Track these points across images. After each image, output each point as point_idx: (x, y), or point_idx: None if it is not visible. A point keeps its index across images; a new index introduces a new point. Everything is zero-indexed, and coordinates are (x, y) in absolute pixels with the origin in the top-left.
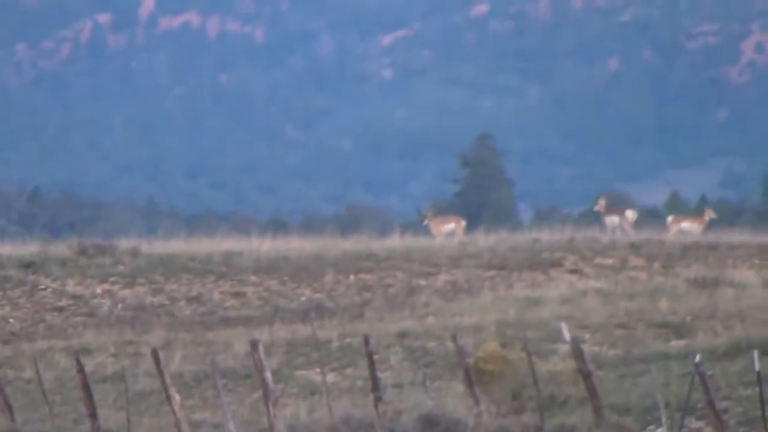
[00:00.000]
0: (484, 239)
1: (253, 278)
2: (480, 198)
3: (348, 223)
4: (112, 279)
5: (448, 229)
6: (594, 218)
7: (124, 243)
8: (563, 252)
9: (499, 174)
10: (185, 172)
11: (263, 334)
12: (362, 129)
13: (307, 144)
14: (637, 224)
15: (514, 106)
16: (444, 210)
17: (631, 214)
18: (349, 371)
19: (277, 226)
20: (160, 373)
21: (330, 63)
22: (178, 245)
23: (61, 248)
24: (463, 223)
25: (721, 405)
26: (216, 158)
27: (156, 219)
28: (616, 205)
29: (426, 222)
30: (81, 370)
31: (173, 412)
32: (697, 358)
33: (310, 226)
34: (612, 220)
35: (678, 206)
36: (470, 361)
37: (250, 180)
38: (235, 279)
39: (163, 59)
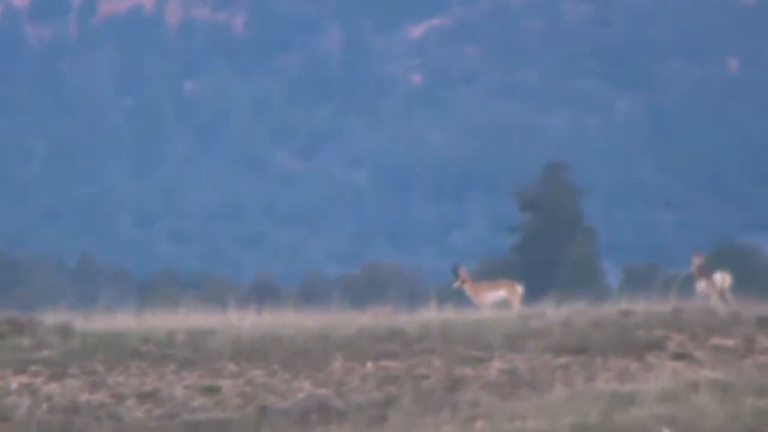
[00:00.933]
0: (555, 311)
1: (231, 367)
2: (549, 253)
3: (364, 290)
4: (33, 368)
5: (496, 299)
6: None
7: (50, 317)
8: (666, 330)
9: (576, 220)
10: (135, 217)
11: None
12: (382, 158)
13: (306, 178)
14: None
15: (595, 124)
16: (496, 271)
17: (720, 279)
18: None
19: (265, 293)
20: None
21: (337, 65)
22: (125, 321)
23: None
24: (519, 289)
25: None
26: (179, 198)
27: (94, 284)
28: (714, 267)
29: (458, 285)
30: None
31: None
32: None
33: (311, 293)
34: (700, 285)
35: None
36: None
37: (227, 229)
38: (205, 368)
39: (104, 59)
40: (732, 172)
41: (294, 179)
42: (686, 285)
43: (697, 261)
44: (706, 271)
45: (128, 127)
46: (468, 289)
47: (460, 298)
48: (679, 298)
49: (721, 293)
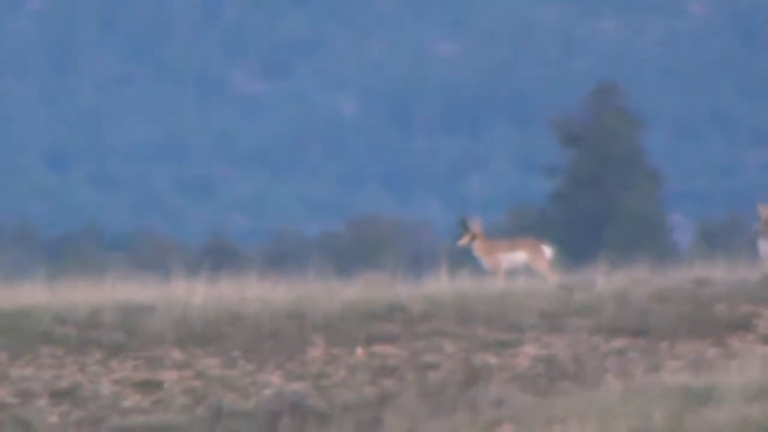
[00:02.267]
0: (607, 281)
1: (176, 355)
2: (599, 203)
3: (352, 253)
4: None
5: (514, 262)
6: None
7: None
8: (755, 304)
9: (636, 159)
10: (46, 156)
11: None
12: (374, 77)
13: (272, 105)
14: None
15: (659, 32)
16: (528, 228)
17: (548, 251)
18: None
19: (221, 257)
20: None
21: None
22: (34, 295)
23: None
24: (548, 251)
25: None
26: (103, 131)
27: None
28: None
29: (466, 243)
30: None
31: None
32: None
33: (282, 257)
34: (765, 245)
35: None
36: None
37: (168, 172)
38: (141, 357)
39: None
40: None
41: (256, 106)
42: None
43: (766, 213)
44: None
45: (35, 38)
46: (478, 248)
47: (480, 264)
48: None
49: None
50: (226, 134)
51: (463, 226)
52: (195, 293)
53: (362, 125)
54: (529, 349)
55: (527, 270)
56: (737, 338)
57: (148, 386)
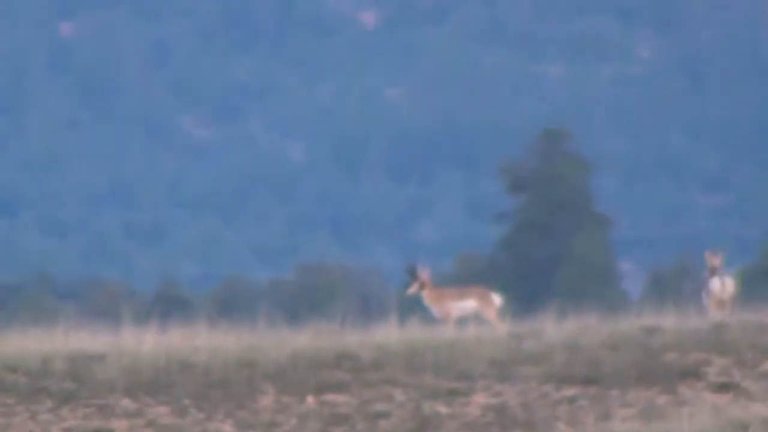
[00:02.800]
0: (557, 329)
1: (127, 403)
2: (548, 250)
3: (301, 300)
4: None
5: (463, 311)
6: (758, 289)
7: None
8: (705, 352)
9: (584, 204)
10: None
11: None
12: (324, 122)
13: (222, 150)
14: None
15: (607, 76)
16: (477, 275)
17: (719, 285)
18: None
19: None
20: None
21: None
22: None
23: None
24: (497, 299)
25: None
26: (52, 176)
27: None
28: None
29: (415, 291)
30: None
31: None
32: None
33: (231, 304)
34: (464, 304)
35: None
36: None
37: (117, 217)
38: (92, 405)
39: None
40: None
41: (205, 151)
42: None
43: (715, 260)
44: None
45: None
46: (427, 296)
47: (429, 311)
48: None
49: (720, 303)
50: (175, 179)
51: (412, 274)
52: (145, 341)
53: (311, 170)
54: (480, 398)
55: (477, 318)
56: (687, 386)
57: None
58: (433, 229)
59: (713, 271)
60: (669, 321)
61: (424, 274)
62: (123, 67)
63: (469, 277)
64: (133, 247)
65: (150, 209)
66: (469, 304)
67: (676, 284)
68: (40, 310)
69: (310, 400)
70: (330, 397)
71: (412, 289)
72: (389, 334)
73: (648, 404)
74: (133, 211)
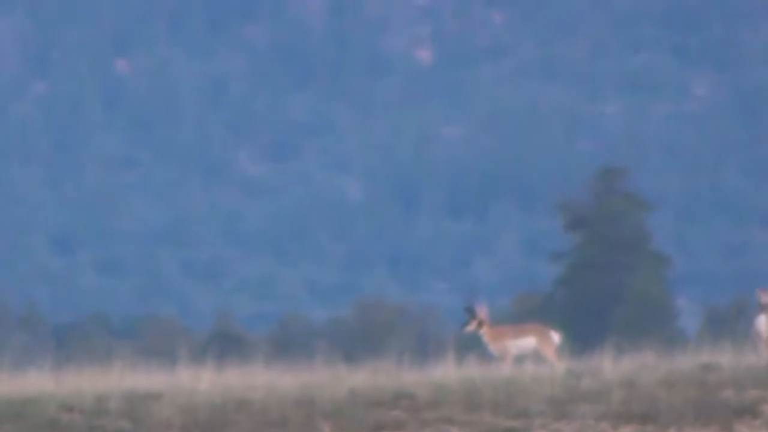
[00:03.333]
0: (614, 366)
1: None
2: (605, 288)
3: (358, 338)
4: None
5: (522, 349)
6: None
7: None
8: (761, 390)
9: (642, 242)
10: (52, 240)
11: None
12: (379, 160)
13: (278, 187)
14: None
15: (664, 114)
16: (534, 312)
17: (556, 337)
18: None
19: (227, 343)
20: None
21: (318, 38)
22: (40, 381)
23: None
24: (556, 337)
25: None
26: (108, 215)
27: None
28: None
29: (473, 329)
30: None
31: None
32: None
33: (288, 343)
34: (523, 342)
35: None
36: None
37: (173, 255)
38: None
39: (8, 31)
40: None
41: (262, 189)
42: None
43: (764, 299)
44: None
45: (41, 120)
46: (486, 334)
47: (487, 349)
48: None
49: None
50: (232, 217)
51: (470, 312)
52: (201, 380)
53: (367, 208)
54: None
55: (535, 356)
56: (744, 424)
57: None
58: (491, 266)
59: (763, 308)
60: (726, 358)
61: (482, 312)
62: (178, 103)
63: (527, 315)
64: (190, 285)
65: (207, 247)
66: (527, 342)
67: (732, 321)
68: (96, 348)
69: None
70: None
71: (470, 327)
72: (447, 372)
73: None
74: (190, 250)
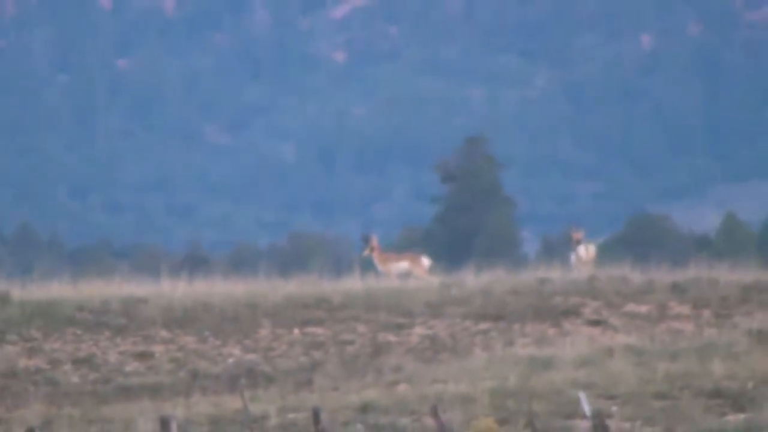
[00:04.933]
0: (475, 280)
1: (164, 333)
2: (469, 223)
3: (291, 259)
4: None
5: (400, 270)
6: (621, 251)
7: None
8: (581, 296)
9: (496, 191)
10: (71, 188)
11: (177, 408)
12: (309, 131)
13: (235, 151)
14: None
15: (514, 98)
16: (418, 241)
17: (585, 251)
18: None
19: (196, 262)
20: None
21: (266, 43)
22: (61, 289)
23: None
24: (425, 262)
25: None
26: (112, 170)
27: (31, 253)
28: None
29: (367, 254)
30: None
31: None
32: None
33: (240, 262)
34: (400, 265)
35: (735, 231)
36: None
37: (159, 200)
38: (138, 335)
39: (40, 37)
40: (644, 145)
41: (223, 152)
42: (605, 252)
43: (575, 236)
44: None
45: (64, 102)
46: (375, 258)
47: (377, 269)
48: (593, 266)
49: (584, 264)
50: (202, 173)
51: (366, 242)
52: (177, 289)
53: (299, 167)
54: (419, 330)
55: (408, 275)
56: (569, 322)
57: (143, 356)
58: (387, 208)
59: (577, 243)
60: (556, 274)
61: (374, 241)
62: (164, 91)
63: (413, 244)
64: (171, 221)
65: (183, 194)
66: (402, 265)
67: (562, 248)
68: (102, 266)
69: (296, 331)
70: (310, 329)
71: (366, 252)
72: (353, 284)
73: (541, 335)
74: (171, 196)
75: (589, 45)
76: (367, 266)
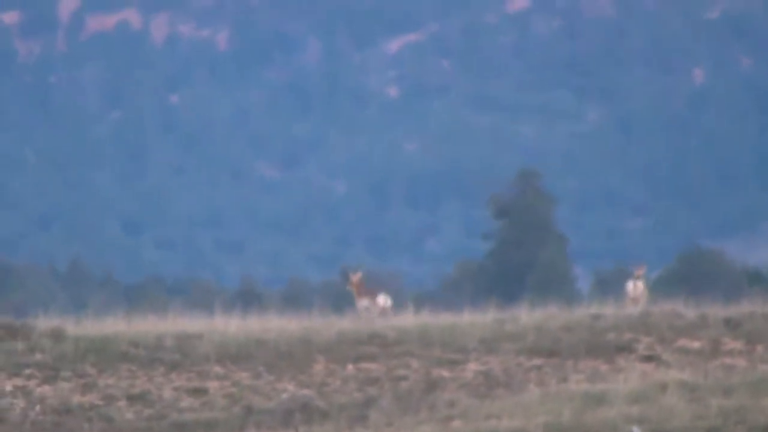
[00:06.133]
0: (528, 315)
1: (218, 369)
2: (522, 259)
3: (344, 295)
4: (26, 371)
5: (361, 306)
6: (674, 286)
7: (43, 322)
8: (634, 332)
9: (548, 225)
10: (123, 225)
11: None
12: (361, 166)
13: (286, 186)
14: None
15: (565, 133)
16: (471, 276)
17: (383, 300)
18: None
19: (249, 298)
20: None
21: (317, 78)
22: (115, 325)
23: None
24: (381, 300)
25: None
26: (164, 206)
27: (85, 289)
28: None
29: (349, 288)
30: None
31: None
32: None
33: (293, 298)
34: (362, 303)
35: None
36: None
37: (211, 236)
38: (192, 371)
39: (91, 73)
40: (696, 179)
41: (274, 188)
42: (658, 287)
43: (355, 278)
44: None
45: (115, 138)
46: (354, 290)
47: (436, 302)
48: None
49: (633, 300)
50: (252, 208)
51: (345, 277)
52: (231, 324)
53: (350, 201)
54: (473, 365)
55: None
56: (623, 357)
57: (197, 392)
58: (439, 243)
59: (638, 278)
60: (609, 310)
61: (354, 278)
62: (214, 126)
63: (465, 279)
64: (222, 257)
65: (234, 230)
66: (362, 302)
67: (614, 283)
68: (155, 302)
69: (350, 367)
70: (364, 365)
71: (348, 287)
72: (407, 319)
73: (594, 371)
74: (222, 231)
75: (640, 79)
76: (421, 302)
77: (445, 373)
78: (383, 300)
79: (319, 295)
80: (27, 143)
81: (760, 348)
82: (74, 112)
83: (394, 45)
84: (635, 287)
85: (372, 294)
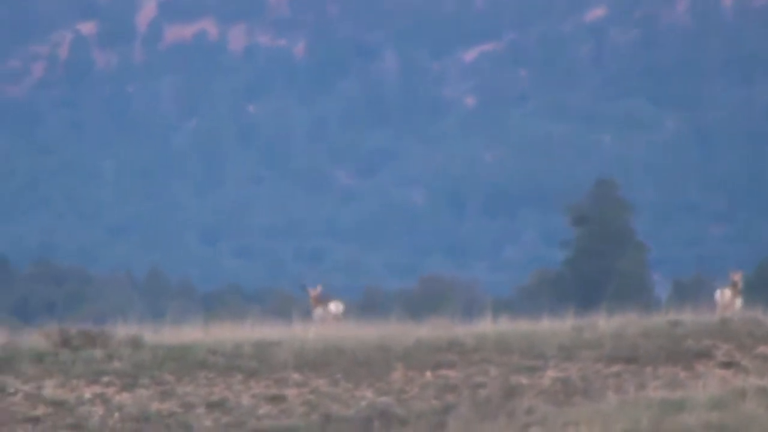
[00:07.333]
0: (606, 323)
1: (296, 377)
2: (600, 267)
3: (422, 302)
4: (105, 379)
5: (316, 315)
6: (754, 294)
7: (121, 330)
8: (714, 339)
9: (626, 234)
10: (201, 234)
11: None
12: (439, 176)
13: (364, 196)
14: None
15: (643, 143)
16: (548, 285)
17: (335, 306)
18: None
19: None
20: None
21: (394, 88)
22: (193, 333)
23: (35, 338)
24: (333, 308)
25: None
26: (242, 216)
27: (162, 298)
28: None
29: (310, 301)
30: None
31: None
32: None
33: (371, 306)
34: (317, 312)
35: None
36: None
37: (289, 245)
38: (271, 378)
39: (169, 83)
40: None
41: (353, 197)
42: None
43: (313, 294)
44: (323, 301)
45: (193, 147)
46: (311, 304)
47: (514, 310)
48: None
49: (723, 307)
50: (330, 217)
51: (303, 290)
52: (309, 332)
53: (428, 211)
54: (551, 373)
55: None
56: (701, 364)
57: (276, 399)
58: (517, 251)
59: (736, 283)
60: (687, 317)
61: (314, 291)
62: (292, 137)
63: (543, 287)
64: (300, 266)
65: (312, 239)
66: (317, 311)
67: (693, 291)
68: (233, 310)
69: (428, 374)
70: (443, 372)
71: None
72: (485, 326)
73: (673, 377)
74: (300, 240)
75: (719, 89)
76: (499, 309)
77: (524, 380)
78: (335, 306)
79: (396, 302)
80: (105, 153)
81: None
82: (152, 123)
83: (471, 54)
84: (722, 294)
85: (325, 303)
